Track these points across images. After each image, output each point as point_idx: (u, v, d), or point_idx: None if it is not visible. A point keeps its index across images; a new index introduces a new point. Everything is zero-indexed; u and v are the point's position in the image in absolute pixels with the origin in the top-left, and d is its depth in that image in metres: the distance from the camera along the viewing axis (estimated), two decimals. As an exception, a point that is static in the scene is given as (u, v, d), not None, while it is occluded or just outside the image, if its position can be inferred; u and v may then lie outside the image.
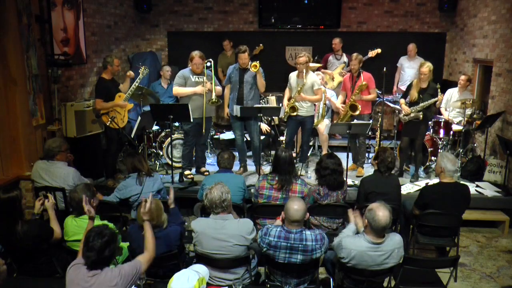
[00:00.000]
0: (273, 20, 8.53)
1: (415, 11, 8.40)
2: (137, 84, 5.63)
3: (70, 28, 5.91)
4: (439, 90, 5.44)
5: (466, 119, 6.01)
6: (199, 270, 2.68)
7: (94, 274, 2.55)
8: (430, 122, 6.61)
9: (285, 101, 5.82)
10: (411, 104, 5.63)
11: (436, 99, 5.42)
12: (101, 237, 2.56)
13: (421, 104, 5.44)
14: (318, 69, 7.28)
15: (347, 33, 8.30)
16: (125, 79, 5.75)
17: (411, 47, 7.61)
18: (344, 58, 7.62)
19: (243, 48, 5.46)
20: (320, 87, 5.66)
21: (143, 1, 8.28)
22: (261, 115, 5.38)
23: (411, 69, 7.64)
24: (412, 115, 5.53)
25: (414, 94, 5.55)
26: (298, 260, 3.03)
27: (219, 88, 5.65)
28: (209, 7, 8.65)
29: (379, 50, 7.36)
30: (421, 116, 5.46)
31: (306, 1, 8.49)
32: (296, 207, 3.03)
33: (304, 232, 3.05)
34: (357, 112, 5.78)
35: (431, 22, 8.42)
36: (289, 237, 3.03)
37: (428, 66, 5.42)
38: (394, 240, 3.04)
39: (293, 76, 5.75)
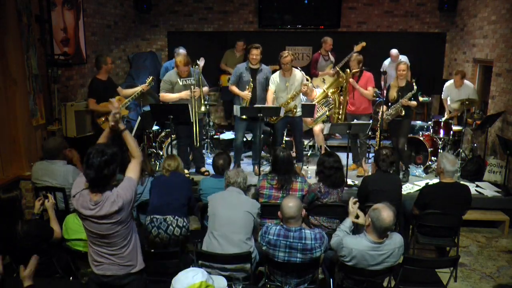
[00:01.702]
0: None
1: (415, 11, 8.40)
2: (139, 93, 5.62)
3: (70, 28, 5.91)
4: (414, 83, 5.48)
5: (465, 118, 6.03)
6: (215, 280, 2.29)
7: (97, 203, 2.52)
8: (430, 122, 6.62)
9: (270, 101, 5.79)
10: (391, 104, 5.63)
11: (413, 92, 5.41)
12: (101, 155, 2.52)
13: (400, 100, 5.45)
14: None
15: (347, 33, 8.30)
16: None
17: (394, 53, 7.44)
18: (331, 58, 7.57)
19: (257, 44, 5.47)
20: (307, 81, 5.65)
21: (143, 1, 8.27)
22: (261, 115, 5.37)
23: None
24: (393, 112, 5.55)
25: (393, 94, 5.57)
26: (298, 259, 3.04)
27: (206, 88, 5.65)
28: (209, 7, 8.65)
29: (363, 44, 7.30)
30: (402, 112, 5.46)
31: (306, 1, 8.49)
32: (290, 204, 3.06)
33: (303, 230, 3.06)
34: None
35: (431, 22, 8.42)
36: (288, 235, 3.03)
37: (404, 63, 5.60)
38: (395, 240, 3.04)
39: (277, 76, 5.60)
